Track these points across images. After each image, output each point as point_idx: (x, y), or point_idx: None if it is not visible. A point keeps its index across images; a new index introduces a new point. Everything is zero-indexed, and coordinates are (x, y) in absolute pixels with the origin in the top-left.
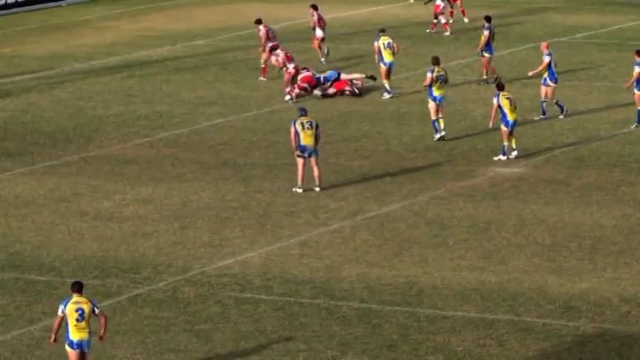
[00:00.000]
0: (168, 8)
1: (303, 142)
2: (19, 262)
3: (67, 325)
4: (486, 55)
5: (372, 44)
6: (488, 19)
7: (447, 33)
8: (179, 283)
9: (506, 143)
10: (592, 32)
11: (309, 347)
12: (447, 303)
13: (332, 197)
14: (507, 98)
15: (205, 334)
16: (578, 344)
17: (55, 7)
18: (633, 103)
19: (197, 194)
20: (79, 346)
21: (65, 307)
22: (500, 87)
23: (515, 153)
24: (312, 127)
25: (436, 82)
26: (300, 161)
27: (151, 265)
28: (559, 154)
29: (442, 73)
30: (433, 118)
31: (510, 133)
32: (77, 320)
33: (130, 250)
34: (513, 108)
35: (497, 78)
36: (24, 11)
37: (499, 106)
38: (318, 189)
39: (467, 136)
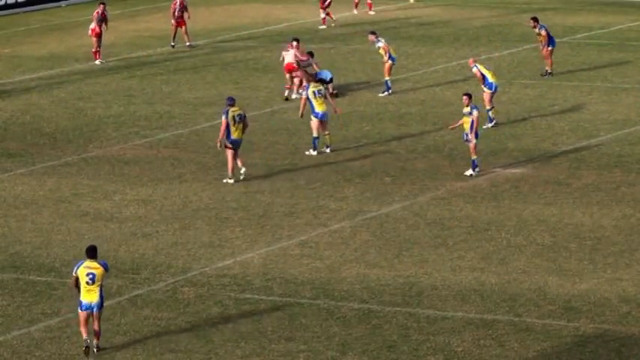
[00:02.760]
0: (168, 9)
1: (233, 136)
2: (18, 263)
3: (78, 287)
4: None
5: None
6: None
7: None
8: (179, 284)
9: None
10: (592, 33)
11: (309, 348)
12: (447, 303)
13: (332, 198)
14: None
15: (205, 334)
16: (578, 345)
17: (55, 7)
18: (634, 104)
19: (197, 195)
20: (89, 307)
21: (77, 269)
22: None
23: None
24: (241, 120)
25: (316, 97)
26: (229, 152)
27: (150, 266)
28: (559, 154)
29: (320, 88)
30: (315, 135)
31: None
32: (87, 283)
33: (130, 251)
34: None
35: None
36: (24, 12)
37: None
38: (242, 176)
39: None
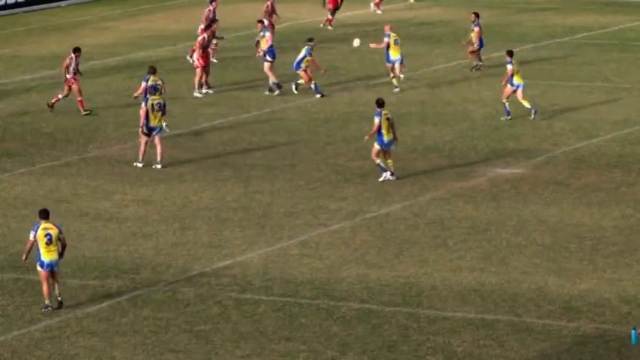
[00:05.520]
0: (169, 8)
1: (151, 124)
2: (18, 263)
3: (37, 248)
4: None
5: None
6: None
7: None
8: (179, 284)
9: (379, 160)
10: (592, 33)
11: (309, 348)
12: (447, 304)
13: (332, 198)
14: (387, 119)
15: (205, 334)
16: (578, 345)
17: (55, 7)
18: (634, 104)
19: (197, 195)
20: (50, 265)
21: (36, 232)
22: (381, 104)
23: (387, 174)
24: (160, 109)
25: (154, 92)
26: (144, 139)
27: (150, 266)
28: (559, 154)
29: (158, 82)
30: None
31: (385, 153)
32: (46, 243)
33: (130, 251)
34: (389, 126)
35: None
36: (24, 12)
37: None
38: (159, 166)
39: (467, 136)
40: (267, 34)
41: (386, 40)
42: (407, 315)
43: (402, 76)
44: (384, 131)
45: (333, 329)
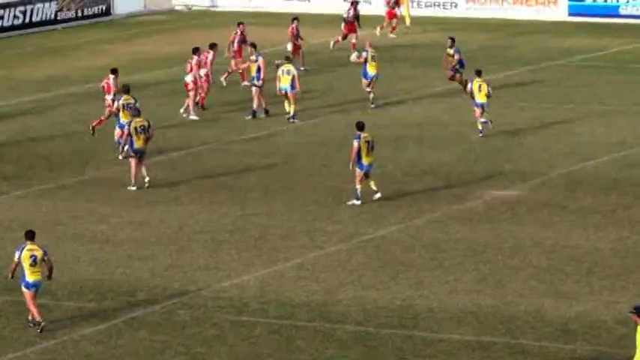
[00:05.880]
0: (164, 32)
1: (136, 146)
2: (14, 285)
3: (22, 269)
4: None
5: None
6: None
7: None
8: (175, 306)
9: (359, 187)
10: (588, 55)
11: None
12: (443, 326)
13: (328, 220)
14: (367, 142)
15: (202, 357)
16: None
17: (51, 30)
18: (630, 126)
19: (193, 217)
20: (34, 286)
21: (21, 253)
22: (361, 127)
23: (378, 195)
24: (144, 131)
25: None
26: (133, 161)
27: (147, 288)
28: (555, 176)
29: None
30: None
31: (366, 176)
32: (31, 265)
33: (126, 273)
34: (368, 150)
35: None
36: (20, 34)
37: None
38: (147, 178)
39: (463, 159)
40: (260, 58)
41: (364, 55)
42: (403, 337)
43: (371, 95)
44: (363, 154)
45: (329, 352)
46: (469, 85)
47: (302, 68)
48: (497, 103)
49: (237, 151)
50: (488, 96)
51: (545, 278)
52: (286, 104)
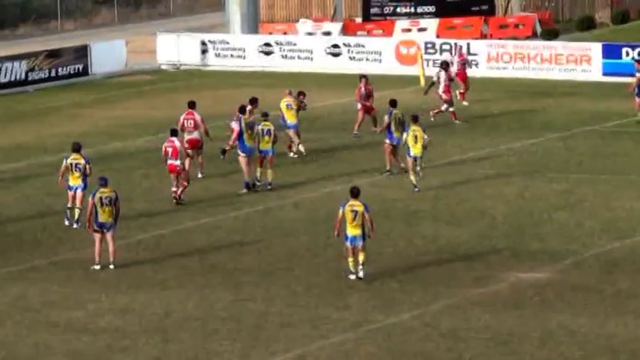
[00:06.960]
0: (148, 94)
1: (100, 219)
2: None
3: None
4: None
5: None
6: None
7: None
8: None
9: (350, 259)
10: (625, 120)
11: None
12: None
13: (333, 306)
14: (352, 211)
15: None
16: None
17: (21, 92)
18: None
19: (181, 303)
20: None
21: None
22: (355, 194)
23: (361, 272)
24: (110, 204)
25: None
26: (97, 236)
27: None
28: (589, 257)
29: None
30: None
31: (354, 250)
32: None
33: None
34: (353, 220)
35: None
36: None
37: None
38: (112, 266)
39: (485, 237)
40: (234, 124)
41: (282, 104)
42: None
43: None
44: (348, 224)
45: None
46: (404, 136)
47: (355, 132)
48: (522, 173)
49: (230, 228)
50: (424, 147)
51: None
52: (258, 170)
